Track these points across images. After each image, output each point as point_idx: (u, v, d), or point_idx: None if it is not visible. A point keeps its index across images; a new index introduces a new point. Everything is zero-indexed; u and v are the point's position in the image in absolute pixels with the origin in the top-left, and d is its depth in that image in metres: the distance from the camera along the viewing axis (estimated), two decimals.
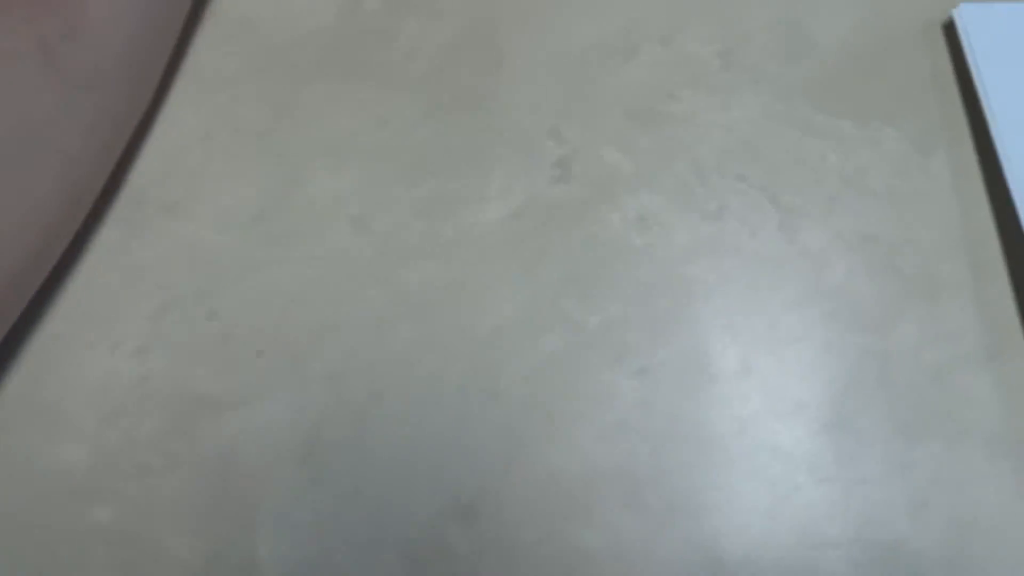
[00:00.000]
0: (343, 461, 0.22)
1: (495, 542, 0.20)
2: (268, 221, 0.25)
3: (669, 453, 0.21)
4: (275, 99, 0.27)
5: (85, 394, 0.23)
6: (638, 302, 0.23)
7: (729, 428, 0.21)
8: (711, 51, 0.27)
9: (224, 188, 0.26)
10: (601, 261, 0.24)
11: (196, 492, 0.22)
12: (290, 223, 0.25)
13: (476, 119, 0.26)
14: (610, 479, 0.21)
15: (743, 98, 0.26)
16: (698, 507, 0.20)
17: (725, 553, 0.20)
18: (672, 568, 0.20)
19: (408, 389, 0.22)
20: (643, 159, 0.25)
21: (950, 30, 0.26)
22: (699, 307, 0.23)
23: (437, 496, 0.21)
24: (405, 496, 0.21)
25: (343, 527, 0.21)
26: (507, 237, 0.24)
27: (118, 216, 0.25)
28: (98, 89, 0.23)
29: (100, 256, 0.25)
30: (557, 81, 0.27)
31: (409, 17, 0.28)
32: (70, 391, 0.23)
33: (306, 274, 0.24)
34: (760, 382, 0.22)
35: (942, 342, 0.22)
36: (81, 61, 0.23)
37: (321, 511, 0.21)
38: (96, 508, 0.21)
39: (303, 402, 0.22)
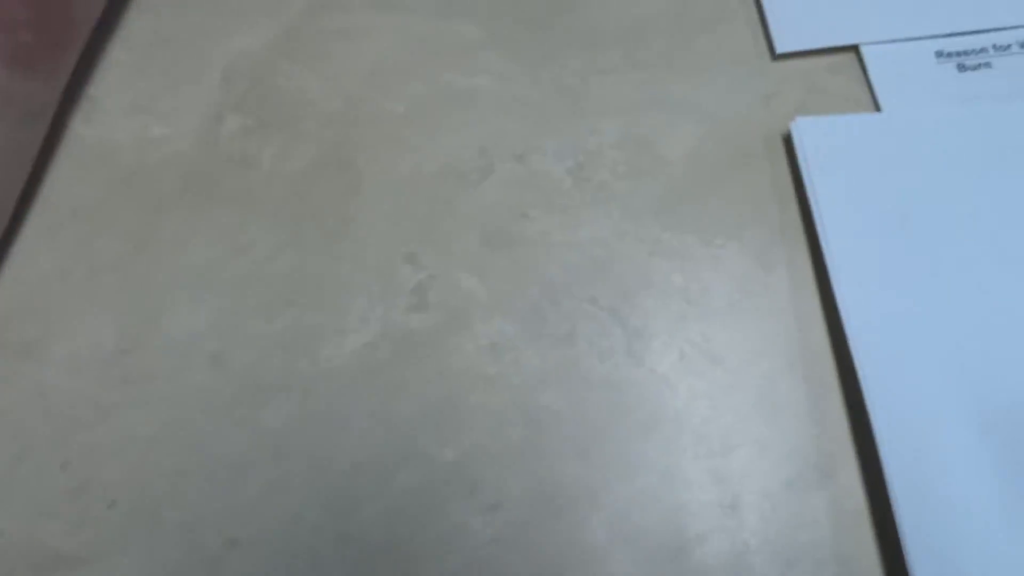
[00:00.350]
0: None
1: None
2: (124, 361, 0.25)
3: None
4: (133, 230, 0.27)
5: None
6: (490, 434, 0.24)
7: (578, 562, 0.22)
8: (563, 168, 0.27)
9: (80, 328, 0.25)
10: (455, 392, 0.24)
11: None
12: (147, 363, 0.25)
13: (335, 245, 0.26)
14: None
15: (593, 216, 0.26)
16: None
17: None
18: None
19: (264, 534, 0.23)
20: (497, 283, 0.25)
21: (790, 143, 0.27)
22: (549, 437, 0.23)
23: None
24: None
25: None
26: (364, 370, 0.25)
27: None
28: None
29: None
30: (414, 203, 0.27)
31: (269, 141, 0.28)
32: None
33: (161, 417, 0.24)
34: (607, 513, 0.22)
35: (781, 464, 0.23)
36: None
37: None
38: None
39: (157, 554, 0.22)
